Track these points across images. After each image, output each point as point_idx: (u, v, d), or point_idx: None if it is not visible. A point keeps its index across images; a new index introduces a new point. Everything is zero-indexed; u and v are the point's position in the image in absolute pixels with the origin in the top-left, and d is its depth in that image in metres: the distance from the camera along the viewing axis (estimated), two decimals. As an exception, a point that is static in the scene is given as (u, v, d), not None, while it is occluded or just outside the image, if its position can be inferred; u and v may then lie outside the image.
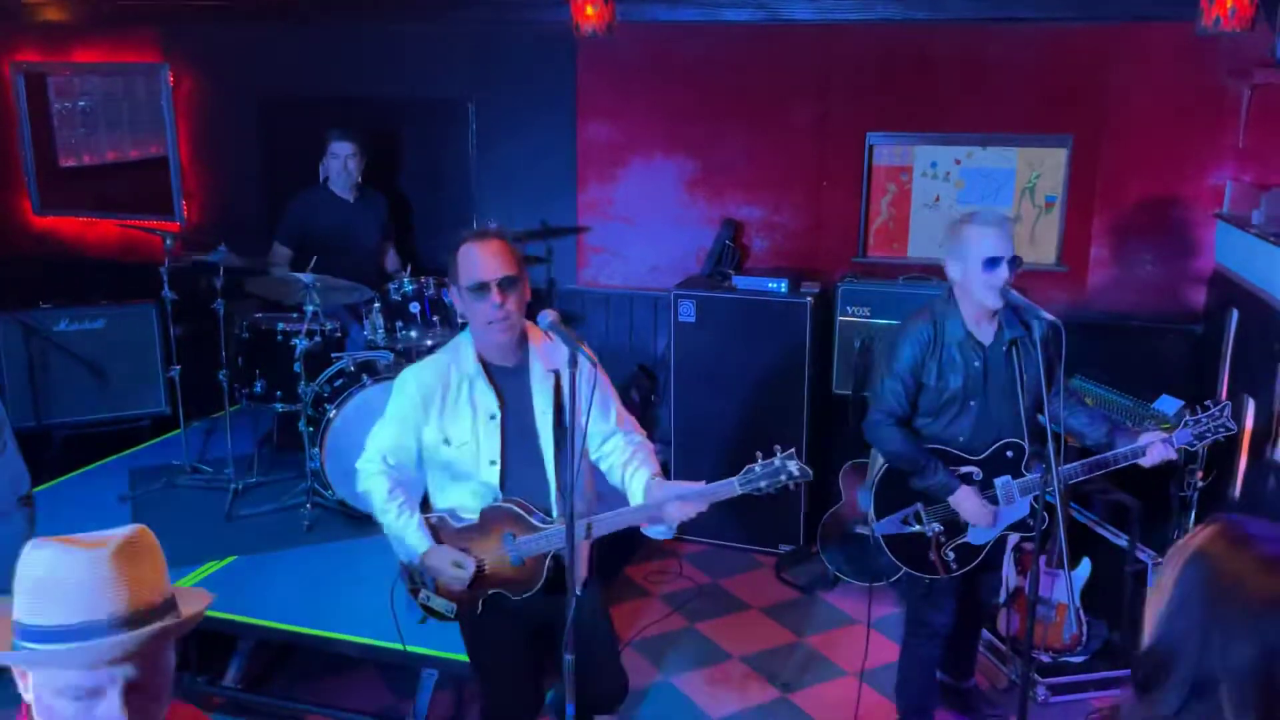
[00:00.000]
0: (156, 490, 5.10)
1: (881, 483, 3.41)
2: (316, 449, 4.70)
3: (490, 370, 2.85)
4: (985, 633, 4.29)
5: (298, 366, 4.73)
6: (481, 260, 2.72)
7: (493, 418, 2.82)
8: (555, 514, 2.85)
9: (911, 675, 3.62)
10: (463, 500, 2.89)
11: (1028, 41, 5.04)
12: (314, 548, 4.56)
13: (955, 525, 3.36)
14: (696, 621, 4.57)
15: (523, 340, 2.88)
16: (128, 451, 5.68)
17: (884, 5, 5.13)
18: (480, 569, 2.85)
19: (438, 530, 2.89)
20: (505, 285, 2.72)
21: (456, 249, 2.77)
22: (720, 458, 4.98)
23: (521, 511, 2.82)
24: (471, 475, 2.85)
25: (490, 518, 2.84)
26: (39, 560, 1.44)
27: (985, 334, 3.31)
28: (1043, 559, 3.78)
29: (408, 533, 2.85)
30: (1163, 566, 1.35)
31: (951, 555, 3.38)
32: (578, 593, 2.64)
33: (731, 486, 2.73)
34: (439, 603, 2.94)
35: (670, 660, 4.27)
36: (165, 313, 5.22)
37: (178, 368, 5.21)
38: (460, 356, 2.85)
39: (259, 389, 5.04)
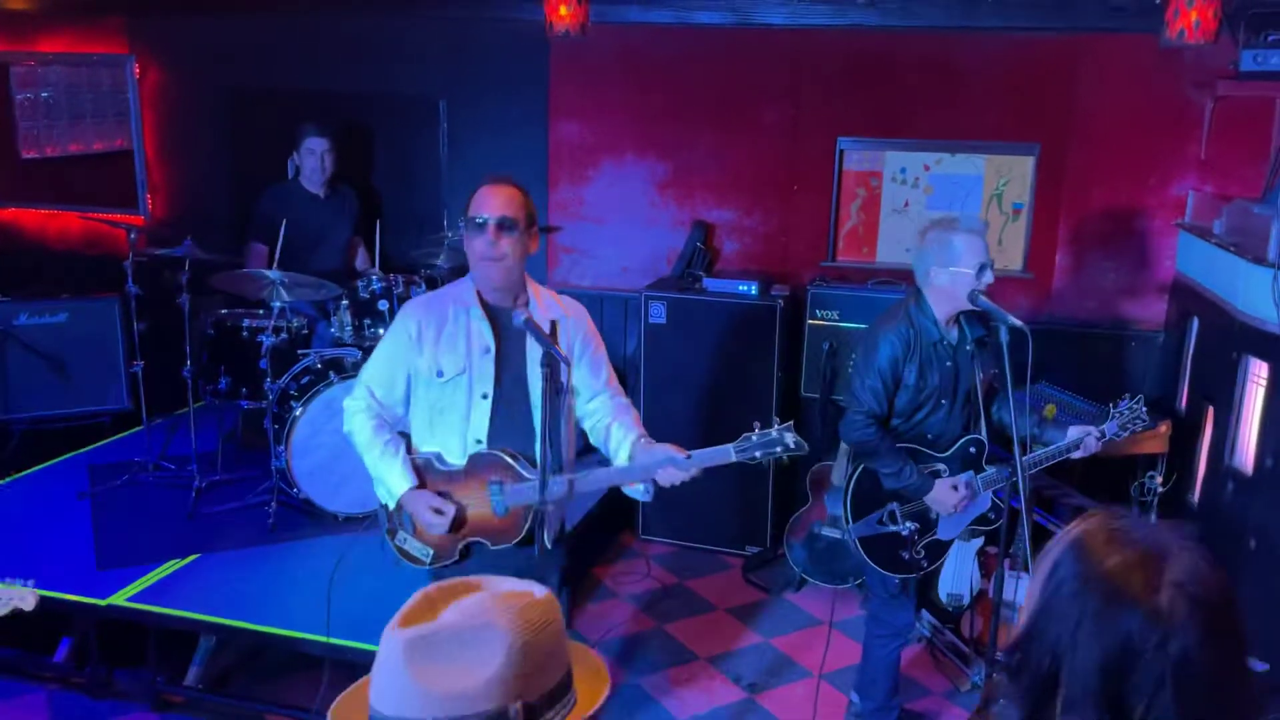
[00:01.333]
0: (117, 487, 5.02)
1: (856, 486, 3.45)
2: (282, 447, 4.66)
3: (488, 307, 2.89)
4: (950, 635, 4.34)
5: (264, 363, 4.68)
6: (488, 198, 2.83)
7: (487, 352, 2.85)
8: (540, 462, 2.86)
9: (876, 676, 3.67)
10: (447, 442, 2.89)
11: (997, 51, 5.10)
12: (278, 546, 4.51)
13: (926, 521, 3.43)
14: (663, 622, 4.58)
15: (524, 289, 2.95)
16: (88, 448, 5.60)
17: (855, 11, 5.16)
18: (461, 516, 2.84)
19: (422, 471, 2.87)
20: (502, 225, 2.79)
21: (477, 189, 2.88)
22: (688, 459, 4.98)
23: (510, 460, 2.81)
24: (460, 412, 2.85)
25: (477, 464, 2.83)
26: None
27: (950, 335, 3.41)
28: (1006, 562, 3.83)
29: (390, 472, 2.84)
30: (1044, 551, 1.34)
31: (922, 553, 3.44)
32: (548, 546, 2.75)
33: (727, 453, 2.74)
34: (415, 546, 2.90)
35: (637, 661, 4.27)
36: (129, 307, 5.14)
37: (140, 363, 5.13)
38: (460, 291, 2.92)
39: (224, 386, 4.98)
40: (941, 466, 3.41)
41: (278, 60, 6.09)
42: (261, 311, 4.97)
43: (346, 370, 4.77)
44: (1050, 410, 4.48)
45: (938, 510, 3.40)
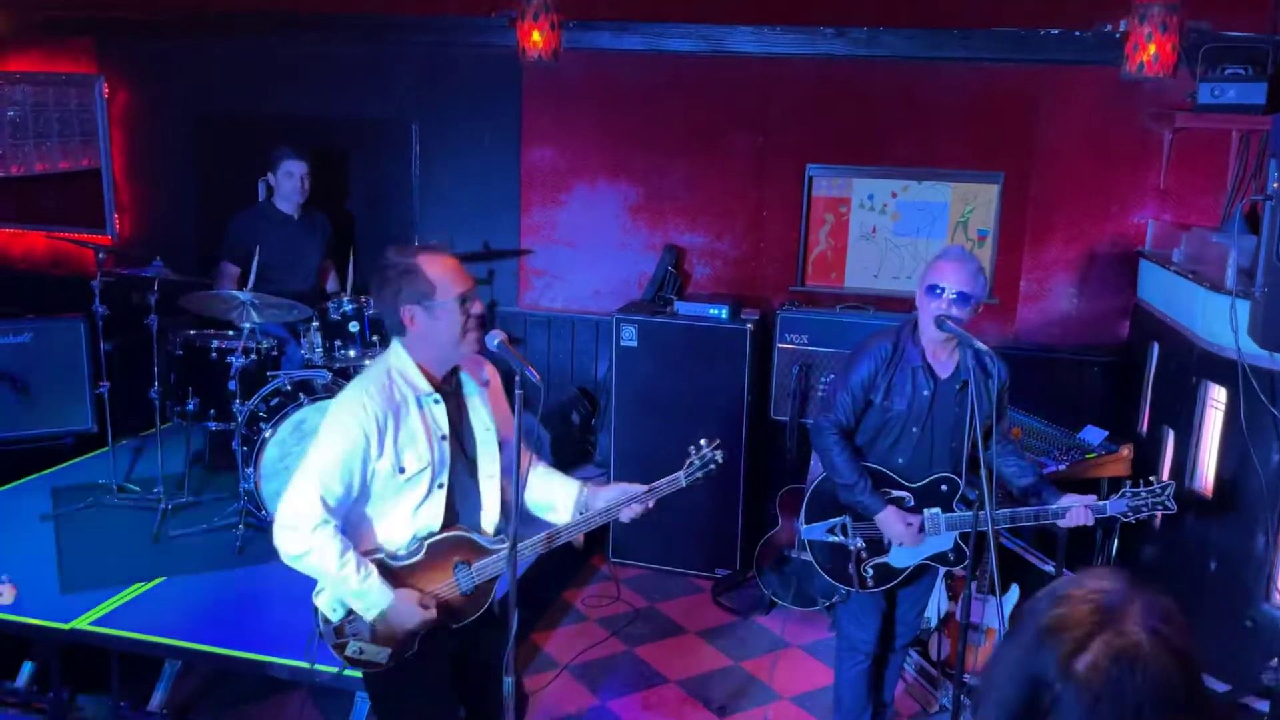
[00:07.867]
0: (81, 509, 4.95)
1: (817, 489, 3.51)
2: (250, 469, 4.63)
3: (438, 387, 2.73)
4: (918, 657, 4.37)
5: (233, 384, 4.65)
6: (457, 271, 2.72)
7: (443, 438, 2.70)
8: (497, 533, 2.82)
9: (844, 694, 3.69)
10: (389, 532, 2.71)
11: (962, 81, 5.20)
12: (246, 569, 4.47)
13: (878, 545, 3.46)
14: (634, 646, 4.58)
15: None
16: (52, 470, 5.52)
17: (824, 40, 5.25)
18: (440, 604, 2.72)
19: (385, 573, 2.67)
20: (480, 301, 2.77)
21: (408, 264, 2.65)
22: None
23: (471, 537, 2.74)
24: (412, 505, 2.68)
25: (438, 549, 2.71)
26: None
27: (943, 368, 3.38)
28: (973, 584, 3.87)
29: (371, 588, 2.60)
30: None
31: (870, 572, 3.47)
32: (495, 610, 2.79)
33: (678, 481, 2.85)
34: (374, 651, 2.71)
35: (607, 684, 4.26)
36: (95, 327, 5.09)
37: (107, 384, 5.08)
38: (404, 376, 2.69)
39: (191, 407, 4.93)
40: (905, 495, 3.41)
41: (248, 83, 6.09)
42: (231, 333, 4.95)
43: (316, 392, 4.75)
44: (1015, 434, 4.55)
45: (885, 535, 3.42)
